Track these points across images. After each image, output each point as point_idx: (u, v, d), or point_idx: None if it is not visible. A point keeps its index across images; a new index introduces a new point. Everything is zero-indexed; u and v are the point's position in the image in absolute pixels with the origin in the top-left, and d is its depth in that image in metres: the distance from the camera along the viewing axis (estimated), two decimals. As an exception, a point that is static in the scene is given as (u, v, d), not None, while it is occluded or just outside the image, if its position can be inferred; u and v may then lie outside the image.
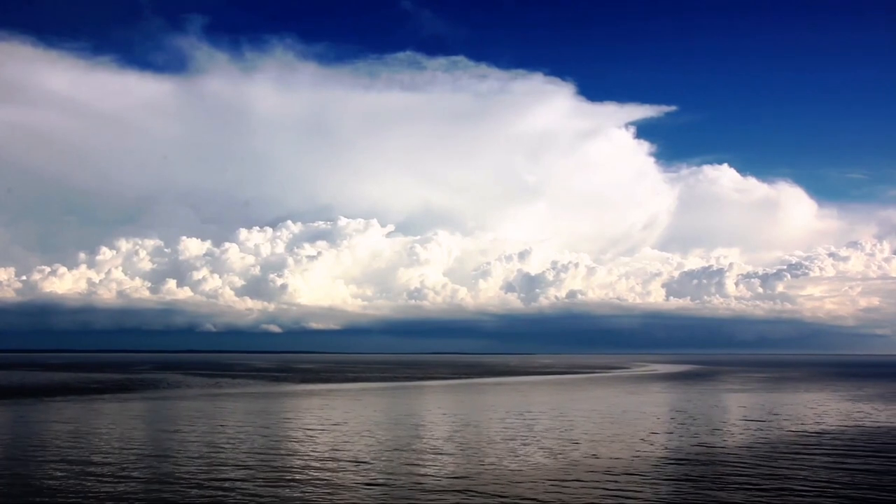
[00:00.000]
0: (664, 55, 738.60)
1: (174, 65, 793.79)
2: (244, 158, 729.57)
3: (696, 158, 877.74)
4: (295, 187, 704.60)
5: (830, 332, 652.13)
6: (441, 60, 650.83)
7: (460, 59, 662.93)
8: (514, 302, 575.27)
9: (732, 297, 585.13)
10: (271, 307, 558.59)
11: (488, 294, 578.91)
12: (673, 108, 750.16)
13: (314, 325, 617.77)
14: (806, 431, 43.81)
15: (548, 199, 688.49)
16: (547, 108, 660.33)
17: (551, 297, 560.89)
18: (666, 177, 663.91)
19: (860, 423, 49.14)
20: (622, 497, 25.32)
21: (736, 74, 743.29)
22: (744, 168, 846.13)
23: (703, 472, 29.94)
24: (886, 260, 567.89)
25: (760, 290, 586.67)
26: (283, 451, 35.11)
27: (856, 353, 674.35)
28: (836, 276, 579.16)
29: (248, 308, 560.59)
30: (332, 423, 47.61)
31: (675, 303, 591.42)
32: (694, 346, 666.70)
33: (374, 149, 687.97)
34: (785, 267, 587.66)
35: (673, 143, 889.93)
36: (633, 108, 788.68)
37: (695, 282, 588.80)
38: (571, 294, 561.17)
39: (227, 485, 27.08)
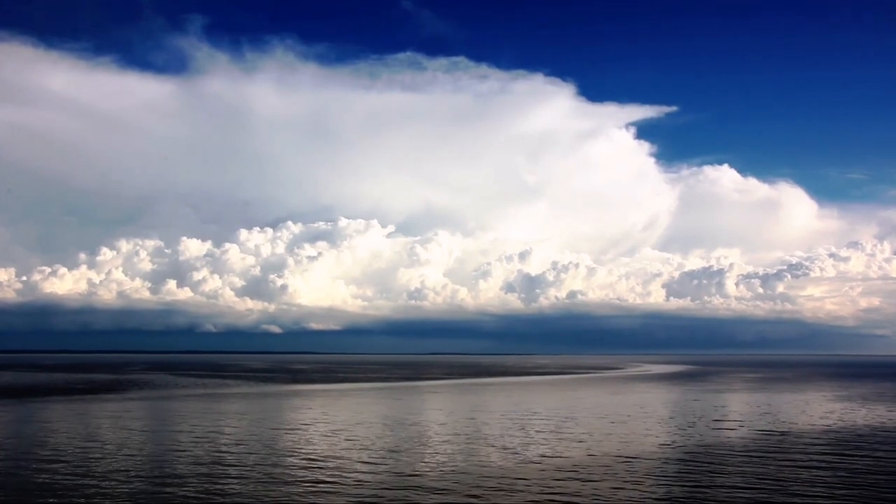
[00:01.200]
0: (664, 55, 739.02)
1: (175, 65, 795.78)
2: (245, 159, 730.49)
3: (697, 159, 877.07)
4: (295, 188, 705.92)
5: (831, 333, 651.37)
6: (441, 61, 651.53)
7: (461, 59, 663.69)
8: (515, 302, 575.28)
9: (733, 298, 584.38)
10: (271, 308, 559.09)
11: (488, 294, 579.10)
12: (673, 108, 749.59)
13: (314, 326, 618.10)
14: (771, 430, 44.03)
15: (548, 199, 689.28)
16: (547, 108, 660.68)
17: (551, 298, 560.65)
18: (666, 177, 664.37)
19: (829, 422, 49.29)
20: (560, 494, 25.59)
21: (736, 75, 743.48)
22: (744, 168, 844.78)
23: (650, 470, 30.21)
24: (887, 260, 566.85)
25: (761, 290, 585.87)
26: (240, 451, 35.35)
27: (856, 354, 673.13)
28: (836, 277, 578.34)
29: (249, 308, 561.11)
30: (303, 424, 47.94)
31: (676, 303, 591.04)
32: (694, 347, 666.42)
33: (375, 149, 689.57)
34: (785, 267, 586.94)
35: (673, 144, 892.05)
36: (634, 108, 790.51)
37: (695, 282, 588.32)
38: (572, 294, 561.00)
39: (169, 481, 27.37)
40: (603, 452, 34.99)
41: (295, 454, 34.33)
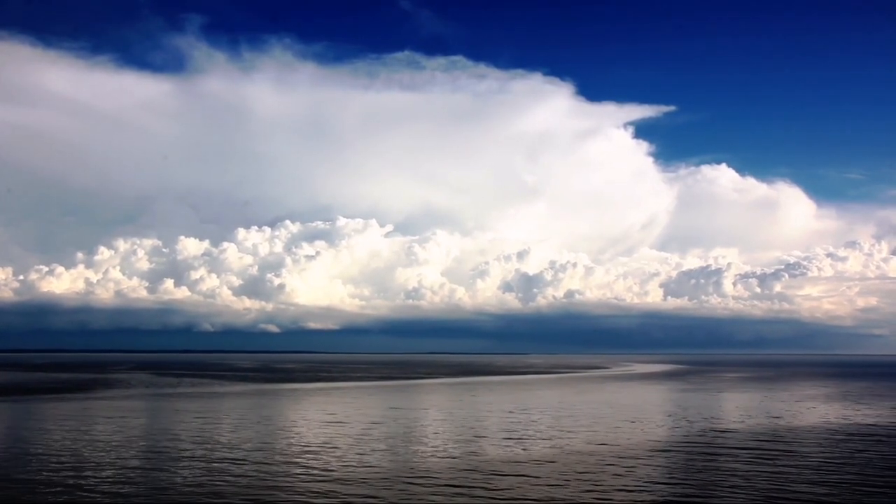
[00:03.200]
0: (663, 55, 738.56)
1: (173, 64, 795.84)
2: (243, 158, 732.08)
3: (695, 158, 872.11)
4: (294, 187, 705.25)
5: (828, 333, 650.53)
6: (440, 60, 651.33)
7: (459, 58, 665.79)
8: (512, 302, 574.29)
9: (730, 297, 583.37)
10: (269, 307, 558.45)
11: (486, 294, 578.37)
12: (672, 108, 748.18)
13: (312, 325, 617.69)
14: (708, 430, 44.22)
15: (547, 198, 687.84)
16: (546, 107, 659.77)
17: (549, 297, 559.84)
18: (665, 177, 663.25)
19: (775, 423, 49.33)
20: (453, 493, 25.87)
21: (735, 74, 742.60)
22: (742, 168, 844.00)
23: (556, 470, 30.46)
24: (884, 260, 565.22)
25: (758, 289, 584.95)
26: (156, 449, 35.60)
27: (854, 354, 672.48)
28: (834, 276, 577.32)
29: (246, 308, 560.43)
30: (243, 422, 48.27)
31: (673, 303, 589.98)
32: (692, 346, 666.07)
33: (373, 149, 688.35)
34: (783, 267, 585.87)
35: (672, 143, 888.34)
36: (632, 107, 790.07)
37: (692, 282, 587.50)
38: (569, 294, 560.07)
39: (74, 474, 27.65)
40: (525, 451, 35.27)
41: (214, 454, 34.52)
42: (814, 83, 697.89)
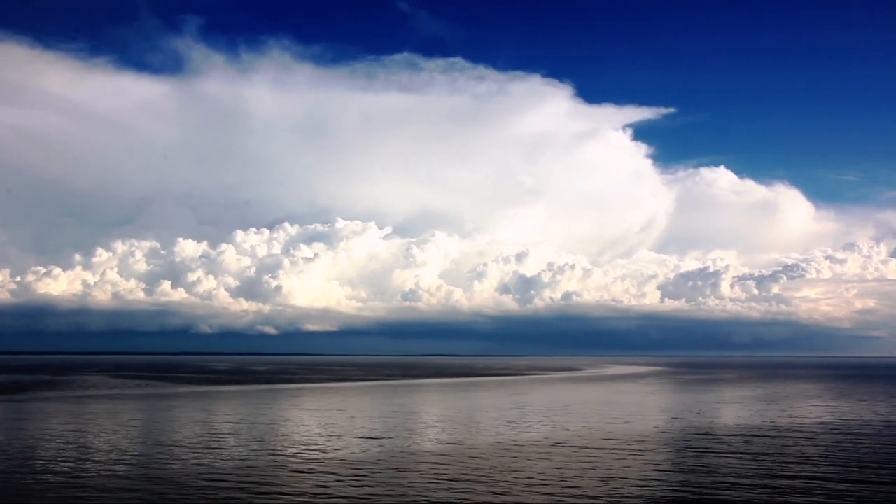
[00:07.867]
0: (662, 57, 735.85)
1: (171, 66, 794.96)
2: (242, 160, 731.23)
3: (694, 160, 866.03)
4: (293, 189, 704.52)
5: (826, 334, 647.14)
6: (438, 62, 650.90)
7: (458, 60, 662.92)
8: (510, 303, 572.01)
9: (728, 299, 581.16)
10: (266, 309, 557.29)
11: (483, 296, 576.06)
12: (671, 109, 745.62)
13: (309, 327, 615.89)
14: (606, 429, 43.80)
15: (545, 200, 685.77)
16: (545, 109, 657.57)
17: (546, 299, 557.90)
18: (663, 178, 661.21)
19: (686, 422, 48.97)
20: (296, 492, 25.63)
21: (733, 76, 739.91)
22: (741, 170, 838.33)
23: (424, 469, 30.13)
24: (883, 262, 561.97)
25: (756, 291, 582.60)
26: (56, 449, 35.44)
27: (851, 355, 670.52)
28: (832, 278, 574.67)
29: (244, 310, 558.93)
30: (194, 421, 47.97)
31: (671, 304, 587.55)
32: (690, 348, 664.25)
33: (372, 150, 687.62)
34: (781, 269, 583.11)
35: (670, 145, 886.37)
36: (631, 109, 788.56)
37: (690, 283, 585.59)
38: (567, 296, 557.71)
39: None
40: (396, 446, 35.00)
41: (117, 455, 34.35)
42: (812, 85, 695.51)
